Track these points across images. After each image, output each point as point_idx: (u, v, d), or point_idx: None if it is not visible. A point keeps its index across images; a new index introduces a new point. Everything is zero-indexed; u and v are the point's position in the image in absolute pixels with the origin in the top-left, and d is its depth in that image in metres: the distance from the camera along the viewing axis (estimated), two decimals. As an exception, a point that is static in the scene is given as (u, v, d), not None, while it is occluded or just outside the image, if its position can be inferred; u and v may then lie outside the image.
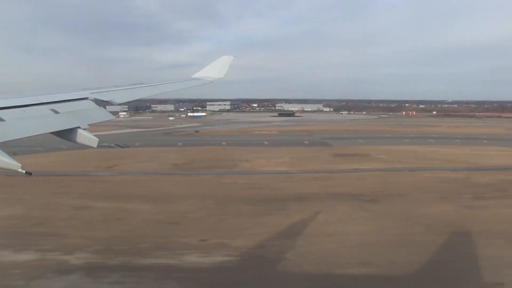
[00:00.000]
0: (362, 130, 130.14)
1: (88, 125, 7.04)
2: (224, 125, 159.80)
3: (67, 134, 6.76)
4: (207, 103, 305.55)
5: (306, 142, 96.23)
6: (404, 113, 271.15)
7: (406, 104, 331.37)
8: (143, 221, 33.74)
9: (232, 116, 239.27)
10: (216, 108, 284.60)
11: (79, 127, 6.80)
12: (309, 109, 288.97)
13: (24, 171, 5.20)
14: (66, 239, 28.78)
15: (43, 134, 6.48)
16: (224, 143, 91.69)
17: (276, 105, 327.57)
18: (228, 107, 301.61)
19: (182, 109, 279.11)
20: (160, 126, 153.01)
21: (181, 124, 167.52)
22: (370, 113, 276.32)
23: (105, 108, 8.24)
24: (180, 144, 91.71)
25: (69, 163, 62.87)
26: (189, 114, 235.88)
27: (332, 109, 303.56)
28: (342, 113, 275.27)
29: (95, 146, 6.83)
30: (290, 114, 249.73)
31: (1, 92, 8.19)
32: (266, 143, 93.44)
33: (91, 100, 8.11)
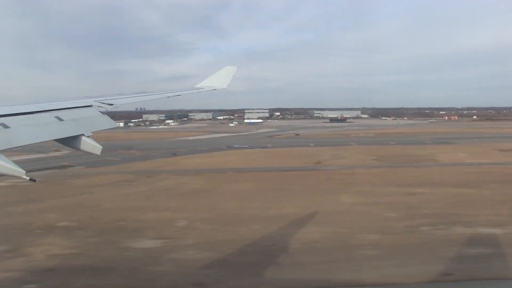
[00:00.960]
0: (457, 132, 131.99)
1: (92, 132, 7.07)
2: (306, 130, 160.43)
3: (71, 142, 6.81)
4: (245, 111, 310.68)
5: (427, 141, 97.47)
6: (446, 118, 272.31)
7: (426, 111, 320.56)
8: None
9: (283, 123, 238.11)
10: (255, 115, 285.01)
11: (83, 135, 6.83)
12: (349, 116, 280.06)
13: (28, 178, 5.23)
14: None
15: (47, 141, 6.53)
16: (353, 143, 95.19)
17: (315, 112, 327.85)
18: (267, 115, 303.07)
19: (221, 117, 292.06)
20: (241, 131, 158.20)
21: (257, 129, 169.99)
22: (411, 118, 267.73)
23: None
24: (311, 145, 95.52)
25: (267, 160, 69.24)
26: (246, 120, 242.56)
27: (368, 116, 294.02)
28: (385, 119, 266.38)
29: (99, 153, 6.85)
30: (342, 120, 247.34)
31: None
32: (391, 143, 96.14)
33: (95, 107, 8.16)
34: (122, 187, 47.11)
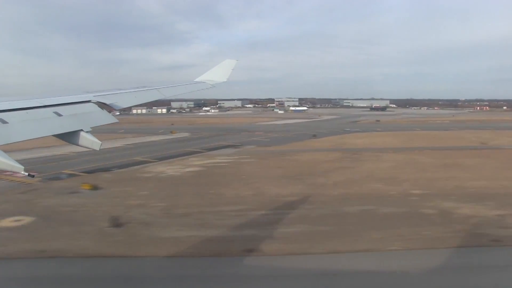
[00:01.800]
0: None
1: (91, 128, 7.04)
2: (368, 117, 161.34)
3: (70, 137, 6.79)
4: (277, 100, 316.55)
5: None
6: (477, 108, 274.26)
7: (439, 102, 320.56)
8: None
9: (324, 111, 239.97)
10: (289, 104, 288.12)
11: (82, 130, 6.80)
12: (378, 105, 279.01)
13: (26, 173, 5.21)
14: None
15: (46, 136, 6.49)
16: (455, 128, 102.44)
17: (344, 102, 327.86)
18: (297, 103, 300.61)
19: (250, 105, 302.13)
20: (304, 118, 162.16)
21: (320, 116, 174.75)
22: (442, 108, 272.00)
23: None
24: (417, 129, 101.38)
25: (427, 141, 73.68)
26: (292, 108, 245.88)
27: (396, 106, 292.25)
28: (416, 109, 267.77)
29: (98, 149, 6.83)
30: (383, 109, 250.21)
31: (3, 94, 8.21)
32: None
33: (94, 103, 8.12)
34: (362, 161, 52.02)
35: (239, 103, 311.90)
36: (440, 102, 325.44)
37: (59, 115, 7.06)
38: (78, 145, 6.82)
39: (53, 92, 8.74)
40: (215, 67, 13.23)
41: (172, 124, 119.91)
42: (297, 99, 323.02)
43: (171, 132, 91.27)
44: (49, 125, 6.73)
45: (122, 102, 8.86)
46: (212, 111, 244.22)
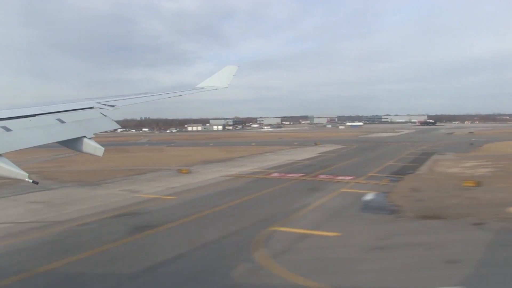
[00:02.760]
0: None
1: (94, 134, 7.05)
2: (439, 131, 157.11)
3: (73, 143, 6.79)
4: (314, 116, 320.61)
5: None
6: None
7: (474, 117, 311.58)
8: None
9: (372, 126, 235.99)
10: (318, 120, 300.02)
11: (85, 136, 6.81)
12: (426, 120, 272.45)
13: (31, 180, 5.20)
14: None
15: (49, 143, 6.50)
16: None
17: (382, 117, 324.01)
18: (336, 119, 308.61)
19: (286, 123, 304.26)
20: (382, 132, 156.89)
21: (394, 130, 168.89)
22: (483, 122, 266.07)
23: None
24: None
25: None
26: (348, 124, 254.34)
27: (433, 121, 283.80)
28: (456, 123, 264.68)
29: (101, 155, 6.81)
30: (433, 123, 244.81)
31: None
32: None
33: (97, 109, 8.14)
34: None
35: (278, 120, 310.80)
36: (475, 118, 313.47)
37: (62, 121, 7.05)
38: (81, 151, 6.82)
39: (55, 99, 8.77)
40: (216, 73, 13.24)
41: (280, 138, 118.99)
42: (336, 117, 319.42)
43: (316, 144, 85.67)
44: (52, 132, 6.74)
45: (125, 108, 8.90)
46: (265, 127, 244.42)
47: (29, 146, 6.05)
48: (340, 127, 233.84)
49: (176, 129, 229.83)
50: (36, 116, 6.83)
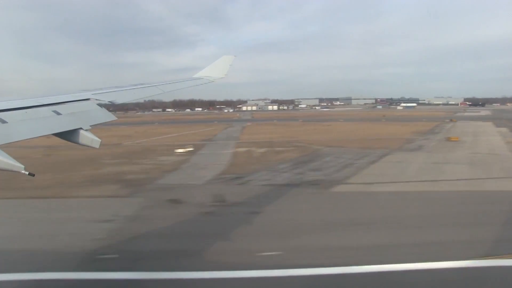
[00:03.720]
0: None
1: (90, 126, 7.03)
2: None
3: (69, 135, 6.76)
4: (352, 98, 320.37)
5: None
6: None
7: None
8: None
9: (423, 107, 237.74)
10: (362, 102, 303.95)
11: (81, 128, 6.79)
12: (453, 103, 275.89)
13: (27, 173, 5.21)
14: None
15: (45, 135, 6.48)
16: None
17: (420, 100, 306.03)
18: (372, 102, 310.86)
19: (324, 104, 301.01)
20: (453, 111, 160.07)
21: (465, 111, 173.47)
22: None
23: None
24: None
25: None
26: (402, 104, 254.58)
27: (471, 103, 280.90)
28: (494, 105, 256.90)
29: (98, 146, 6.80)
30: (482, 104, 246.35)
31: (4, 96, 8.20)
32: None
33: (93, 101, 8.11)
34: None
35: (316, 101, 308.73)
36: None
37: (58, 113, 7.03)
38: (78, 143, 6.81)
39: (52, 91, 8.73)
40: (213, 63, 13.18)
41: (384, 116, 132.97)
42: (374, 100, 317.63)
43: (451, 120, 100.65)
44: (48, 124, 6.73)
45: (121, 98, 8.87)
46: (317, 107, 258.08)
47: (25, 138, 6.04)
48: (398, 107, 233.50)
49: (232, 109, 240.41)
50: (32, 108, 6.80)
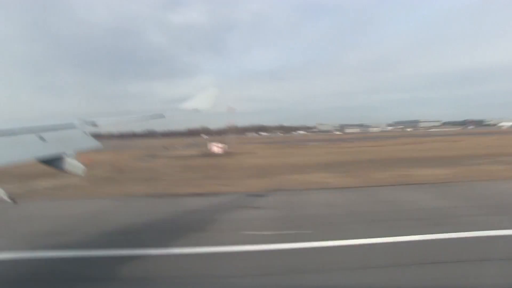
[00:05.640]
0: None
1: (75, 152, 6.94)
2: None
3: (53, 162, 6.65)
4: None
5: None
6: None
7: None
8: None
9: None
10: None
11: (65, 155, 6.70)
12: None
13: (10, 200, 5.06)
14: None
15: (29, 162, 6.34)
16: None
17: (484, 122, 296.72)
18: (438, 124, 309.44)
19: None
20: None
21: None
22: None
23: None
24: None
25: None
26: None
27: None
28: None
29: (82, 174, 6.70)
30: None
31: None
32: None
33: (78, 127, 8.03)
34: None
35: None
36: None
37: (43, 139, 6.94)
38: (62, 170, 6.68)
39: (56, 113, 8.65)
40: (198, 95, 13.31)
41: None
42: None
43: None
44: (32, 149, 6.60)
45: (106, 127, 8.83)
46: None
47: (8, 163, 5.88)
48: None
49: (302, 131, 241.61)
50: (16, 133, 6.67)
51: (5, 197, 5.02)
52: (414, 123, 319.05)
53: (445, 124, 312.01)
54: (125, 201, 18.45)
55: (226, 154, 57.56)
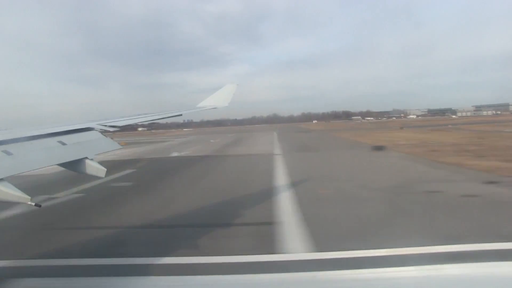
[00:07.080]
0: None
1: (96, 155, 7.00)
2: None
3: (74, 165, 6.73)
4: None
5: None
6: None
7: None
8: None
9: None
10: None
11: (86, 158, 6.76)
12: None
13: (33, 204, 5.11)
14: None
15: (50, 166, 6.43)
16: None
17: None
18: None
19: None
20: None
21: None
22: None
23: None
24: None
25: None
26: None
27: None
28: None
29: (103, 176, 6.72)
30: None
31: (42, 123, 8.24)
32: None
33: (97, 130, 8.12)
34: None
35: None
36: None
37: (63, 143, 7.02)
38: (83, 172, 6.73)
39: (58, 122, 8.79)
40: (216, 92, 13.23)
41: None
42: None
43: None
44: (53, 154, 6.69)
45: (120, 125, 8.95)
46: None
47: (30, 169, 5.96)
48: None
49: (362, 118, 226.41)
50: (37, 138, 6.78)
51: (30, 202, 5.08)
52: (504, 107, 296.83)
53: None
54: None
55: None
